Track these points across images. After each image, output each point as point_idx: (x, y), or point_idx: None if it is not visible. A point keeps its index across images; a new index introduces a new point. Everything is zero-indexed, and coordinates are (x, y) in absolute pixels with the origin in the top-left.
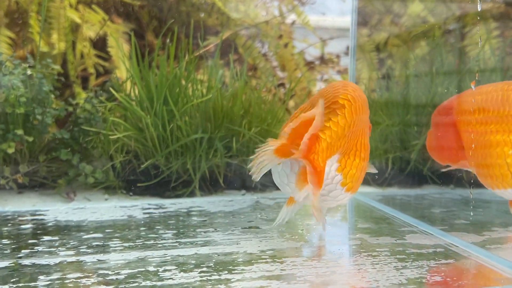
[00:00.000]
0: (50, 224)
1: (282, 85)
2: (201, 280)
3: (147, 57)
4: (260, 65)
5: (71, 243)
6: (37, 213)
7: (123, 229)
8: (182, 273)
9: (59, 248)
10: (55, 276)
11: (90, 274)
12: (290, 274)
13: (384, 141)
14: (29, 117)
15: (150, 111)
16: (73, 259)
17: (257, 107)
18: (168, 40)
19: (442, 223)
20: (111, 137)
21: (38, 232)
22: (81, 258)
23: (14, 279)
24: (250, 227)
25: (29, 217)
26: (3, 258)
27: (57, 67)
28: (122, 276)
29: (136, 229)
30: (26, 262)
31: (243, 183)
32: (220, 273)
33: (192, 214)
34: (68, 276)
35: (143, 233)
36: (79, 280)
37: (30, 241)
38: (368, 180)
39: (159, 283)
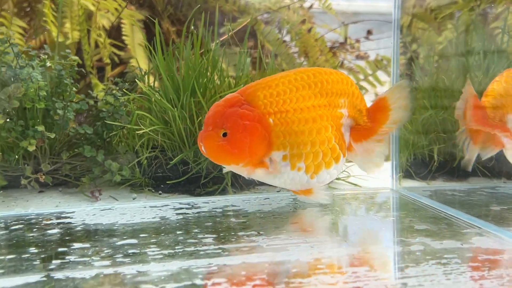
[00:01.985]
0: (78, 228)
1: None
2: None
3: (171, 46)
4: (281, 52)
5: (105, 251)
6: (63, 215)
7: (158, 233)
8: (234, 287)
9: (92, 258)
10: None
11: None
12: None
13: (426, 131)
14: (49, 112)
15: (177, 103)
16: (110, 270)
17: None
18: (192, 27)
19: (508, 223)
20: (137, 132)
21: (67, 238)
22: (119, 269)
23: None
24: (295, 231)
25: (55, 220)
26: (33, 271)
27: (76, 58)
28: None
29: (172, 233)
30: (59, 275)
31: None
32: (277, 287)
33: (229, 215)
34: None
35: (181, 237)
36: None
37: (60, 249)
38: (411, 173)
39: None
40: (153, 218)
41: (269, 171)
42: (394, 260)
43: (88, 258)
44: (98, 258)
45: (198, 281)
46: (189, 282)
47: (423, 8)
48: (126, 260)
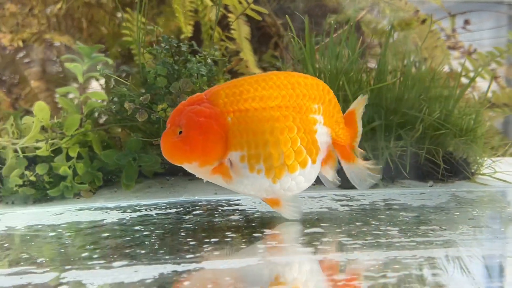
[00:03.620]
0: (256, 215)
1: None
2: None
3: (307, 37)
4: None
5: (280, 238)
6: (231, 202)
7: (338, 223)
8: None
9: (293, 244)
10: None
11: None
12: None
13: None
14: None
15: None
16: (321, 257)
17: (434, 90)
18: (330, 22)
19: None
20: None
21: (253, 224)
22: (328, 256)
23: None
24: (476, 226)
25: (229, 207)
26: (252, 254)
27: (217, 53)
28: (394, 280)
29: (351, 223)
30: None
31: (425, 173)
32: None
33: (395, 208)
34: (334, 277)
35: (364, 228)
36: (350, 283)
37: (255, 234)
38: None
39: None
40: (320, 208)
41: (229, 175)
42: None
43: (288, 244)
44: (299, 244)
45: (415, 271)
46: (407, 272)
47: None
48: (327, 247)
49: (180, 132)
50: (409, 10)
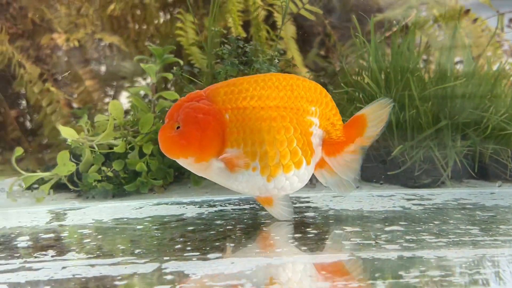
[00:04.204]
0: (330, 212)
1: None
2: None
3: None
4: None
5: (383, 237)
6: (301, 199)
7: (415, 222)
8: None
9: (377, 242)
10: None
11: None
12: None
13: None
14: None
15: (387, 94)
16: (410, 254)
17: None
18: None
19: None
20: None
21: (331, 221)
22: (416, 253)
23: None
24: None
25: (301, 204)
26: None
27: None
28: (488, 276)
29: (429, 222)
30: (364, 255)
31: (491, 173)
32: None
33: (469, 208)
34: (429, 273)
35: (444, 227)
36: (446, 279)
37: (336, 231)
38: None
39: None
40: (393, 206)
41: (222, 172)
42: None
43: (372, 241)
44: (384, 242)
45: (507, 268)
46: (497, 269)
47: None
48: (412, 245)
49: (178, 128)
50: (458, 8)
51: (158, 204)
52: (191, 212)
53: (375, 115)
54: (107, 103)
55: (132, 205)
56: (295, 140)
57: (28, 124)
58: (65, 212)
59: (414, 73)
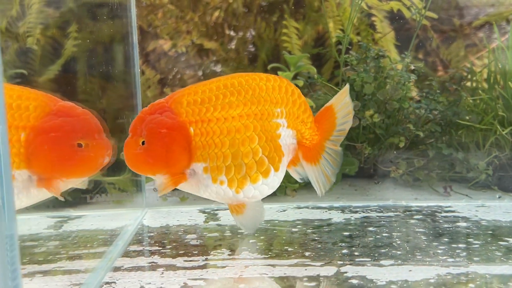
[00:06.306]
0: (483, 223)
1: None
2: None
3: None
4: None
5: None
6: (445, 209)
7: None
8: None
9: None
10: None
11: None
12: None
13: None
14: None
15: None
16: None
17: None
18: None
19: None
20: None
21: (478, 232)
22: None
23: None
24: None
25: (444, 214)
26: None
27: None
28: None
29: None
30: None
31: None
32: None
33: None
34: None
35: None
36: None
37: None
38: None
39: None
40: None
41: (191, 184)
42: None
43: None
44: None
45: None
46: None
47: None
48: None
49: (143, 143)
50: None
51: (298, 207)
52: (336, 217)
53: (341, 104)
54: None
55: (274, 207)
56: (261, 150)
57: None
58: (216, 212)
59: None
